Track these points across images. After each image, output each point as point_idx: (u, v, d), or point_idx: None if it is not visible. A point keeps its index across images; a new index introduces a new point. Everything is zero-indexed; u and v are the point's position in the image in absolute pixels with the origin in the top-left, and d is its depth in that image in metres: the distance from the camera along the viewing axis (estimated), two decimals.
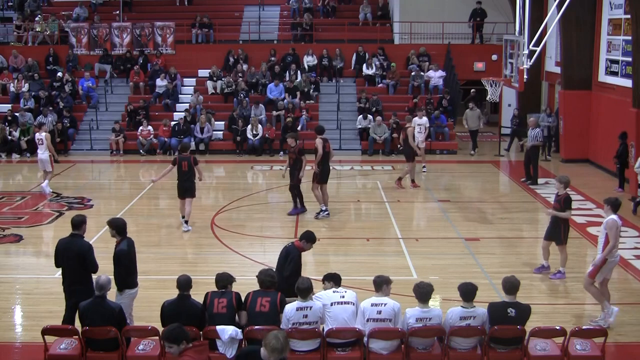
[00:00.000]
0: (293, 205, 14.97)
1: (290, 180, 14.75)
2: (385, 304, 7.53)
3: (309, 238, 8.89)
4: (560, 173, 19.29)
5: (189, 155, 13.79)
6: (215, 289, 7.86)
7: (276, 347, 5.41)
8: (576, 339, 7.67)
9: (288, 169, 14.78)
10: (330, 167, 15.02)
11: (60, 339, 7.79)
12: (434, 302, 9.26)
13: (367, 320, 7.50)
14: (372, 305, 7.55)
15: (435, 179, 18.99)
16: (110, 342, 7.46)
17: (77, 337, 7.60)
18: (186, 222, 13.78)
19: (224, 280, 7.87)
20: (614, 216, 9.17)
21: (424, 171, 19.22)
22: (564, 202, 10.85)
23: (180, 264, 12.00)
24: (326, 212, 14.68)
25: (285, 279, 8.36)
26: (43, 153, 16.36)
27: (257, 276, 7.87)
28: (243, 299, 7.75)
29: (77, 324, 7.79)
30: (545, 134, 21.21)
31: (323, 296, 7.77)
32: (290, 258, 8.66)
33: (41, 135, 16.47)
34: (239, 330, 7.47)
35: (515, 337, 7.52)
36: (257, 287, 7.79)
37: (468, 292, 7.58)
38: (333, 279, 8.09)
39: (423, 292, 7.57)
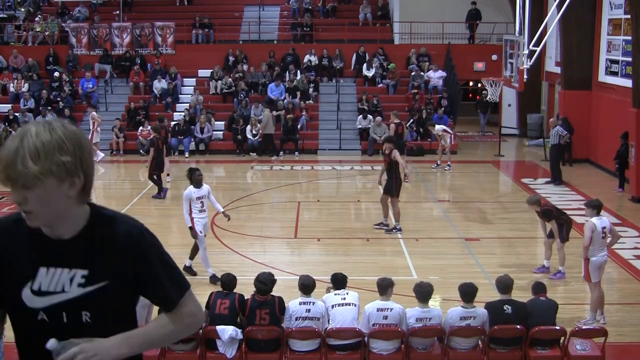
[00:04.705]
0: (158, 190, 16.31)
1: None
2: (391, 309, 7.51)
3: None
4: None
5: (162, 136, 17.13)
6: (219, 290, 7.85)
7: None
8: (576, 339, 7.67)
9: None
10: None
11: None
12: (434, 302, 9.25)
13: (373, 325, 7.48)
14: (378, 310, 7.51)
15: (435, 179, 19.00)
16: None
17: None
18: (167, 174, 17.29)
19: (230, 285, 7.87)
20: (594, 218, 9.19)
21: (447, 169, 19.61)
22: (544, 216, 10.95)
23: (179, 264, 11.99)
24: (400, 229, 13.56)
25: None
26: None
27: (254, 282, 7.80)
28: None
29: None
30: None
31: (324, 299, 7.78)
32: None
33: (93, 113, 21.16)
34: (239, 330, 7.47)
35: (515, 337, 7.52)
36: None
37: (468, 293, 7.59)
38: (333, 282, 8.05)
39: (423, 292, 7.58)
